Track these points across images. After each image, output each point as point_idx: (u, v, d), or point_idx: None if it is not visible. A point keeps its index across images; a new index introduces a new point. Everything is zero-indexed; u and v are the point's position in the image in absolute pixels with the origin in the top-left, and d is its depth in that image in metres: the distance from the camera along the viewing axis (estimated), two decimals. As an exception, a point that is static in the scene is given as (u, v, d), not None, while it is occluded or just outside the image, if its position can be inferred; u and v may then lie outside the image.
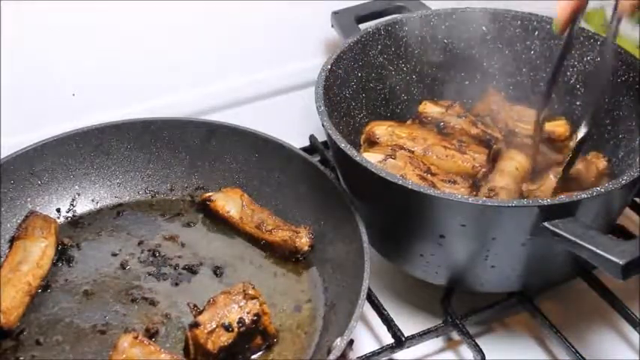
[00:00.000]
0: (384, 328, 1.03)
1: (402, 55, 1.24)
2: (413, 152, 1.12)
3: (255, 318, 0.95)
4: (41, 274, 1.04)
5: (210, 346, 0.93)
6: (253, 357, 0.97)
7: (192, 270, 1.07)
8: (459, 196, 0.96)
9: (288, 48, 1.40)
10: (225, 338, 0.93)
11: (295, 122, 1.28)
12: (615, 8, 1.00)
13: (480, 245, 0.98)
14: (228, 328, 0.93)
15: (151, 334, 0.98)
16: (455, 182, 1.08)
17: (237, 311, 0.95)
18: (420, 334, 1.02)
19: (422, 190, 0.95)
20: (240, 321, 0.94)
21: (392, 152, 1.11)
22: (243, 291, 0.96)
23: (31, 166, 1.12)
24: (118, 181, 1.17)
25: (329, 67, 1.13)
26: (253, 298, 0.96)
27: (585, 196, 0.94)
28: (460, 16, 1.24)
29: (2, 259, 1.05)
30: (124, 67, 1.29)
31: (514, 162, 1.11)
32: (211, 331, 0.93)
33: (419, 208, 0.97)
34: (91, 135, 1.15)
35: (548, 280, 1.08)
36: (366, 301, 0.96)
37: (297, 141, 1.20)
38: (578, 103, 1.20)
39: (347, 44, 1.18)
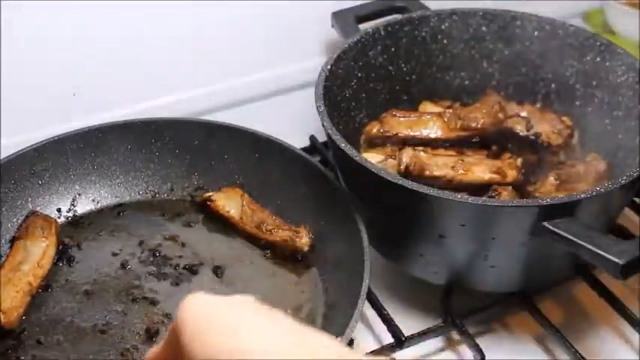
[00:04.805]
0: (384, 327, 1.03)
1: (402, 55, 1.24)
2: (413, 152, 1.12)
3: None
4: (42, 273, 1.04)
5: None
6: None
7: (192, 270, 1.07)
8: (459, 196, 0.96)
9: (288, 48, 1.39)
10: None
11: (295, 122, 1.28)
12: None
13: (479, 245, 0.98)
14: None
15: (151, 334, 0.98)
16: (455, 182, 1.08)
17: None
18: (420, 333, 1.02)
19: (422, 190, 0.95)
20: None
21: (392, 152, 1.11)
22: None
23: (31, 166, 1.12)
24: (118, 181, 1.17)
25: (329, 67, 1.13)
26: None
27: (585, 196, 0.94)
28: (460, 16, 1.24)
29: (3, 259, 1.05)
30: (124, 67, 1.29)
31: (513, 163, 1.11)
32: None
33: (419, 208, 0.97)
34: (91, 135, 1.15)
35: (548, 280, 1.08)
36: (366, 301, 0.96)
37: (297, 141, 1.19)
38: (577, 103, 1.20)
39: (347, 44, 1.18)
